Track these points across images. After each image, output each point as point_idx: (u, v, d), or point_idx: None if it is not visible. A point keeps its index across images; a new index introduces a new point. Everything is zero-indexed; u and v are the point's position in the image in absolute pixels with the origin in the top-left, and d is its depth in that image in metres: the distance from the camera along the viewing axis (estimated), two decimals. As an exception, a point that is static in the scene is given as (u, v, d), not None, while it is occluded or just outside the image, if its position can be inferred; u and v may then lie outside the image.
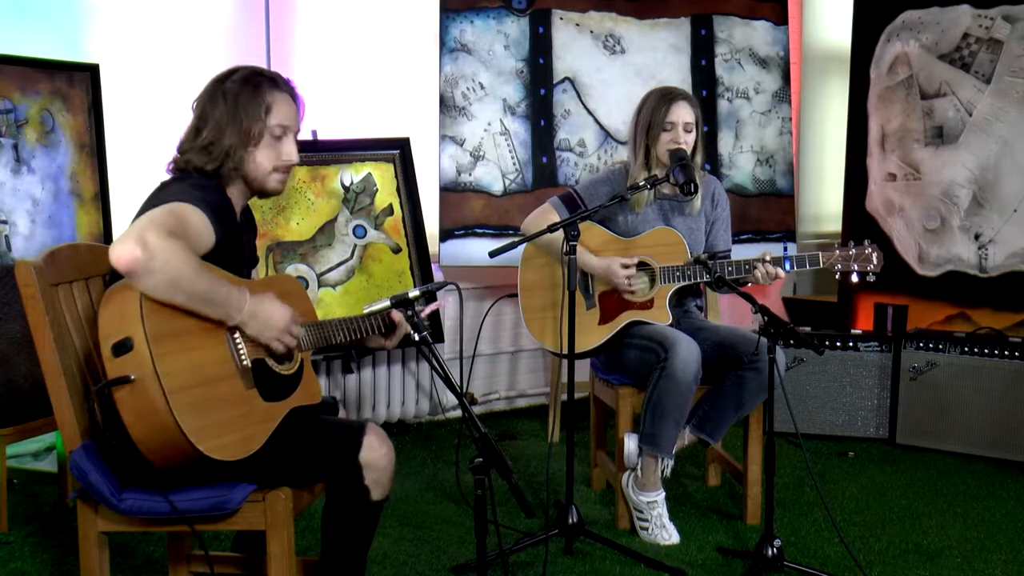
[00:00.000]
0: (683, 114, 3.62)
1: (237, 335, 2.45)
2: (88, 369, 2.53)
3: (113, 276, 2.43)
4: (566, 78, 4.90)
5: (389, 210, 4.51)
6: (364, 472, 2.49)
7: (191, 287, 2.30)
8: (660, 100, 3.66)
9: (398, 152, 4.56)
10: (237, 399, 2.41)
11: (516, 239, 3.41)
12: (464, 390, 2.56)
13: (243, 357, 2.44)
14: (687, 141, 3.62)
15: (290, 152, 2.63)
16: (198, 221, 2.40)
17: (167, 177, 2.60)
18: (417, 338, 2.60)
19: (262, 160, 2.60)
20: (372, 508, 2.54)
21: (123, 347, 2.27)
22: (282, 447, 2.47)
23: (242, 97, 2.56)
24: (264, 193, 2.68)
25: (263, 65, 4.49)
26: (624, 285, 3.61)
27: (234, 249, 2.56)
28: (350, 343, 2.76)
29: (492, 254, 3.35)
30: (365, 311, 2.67)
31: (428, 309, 2.78)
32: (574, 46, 4.91)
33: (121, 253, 2.23)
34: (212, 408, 2.34)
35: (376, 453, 2.51)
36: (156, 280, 2.26)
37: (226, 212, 2.53)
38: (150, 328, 2.26)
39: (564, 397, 3.59)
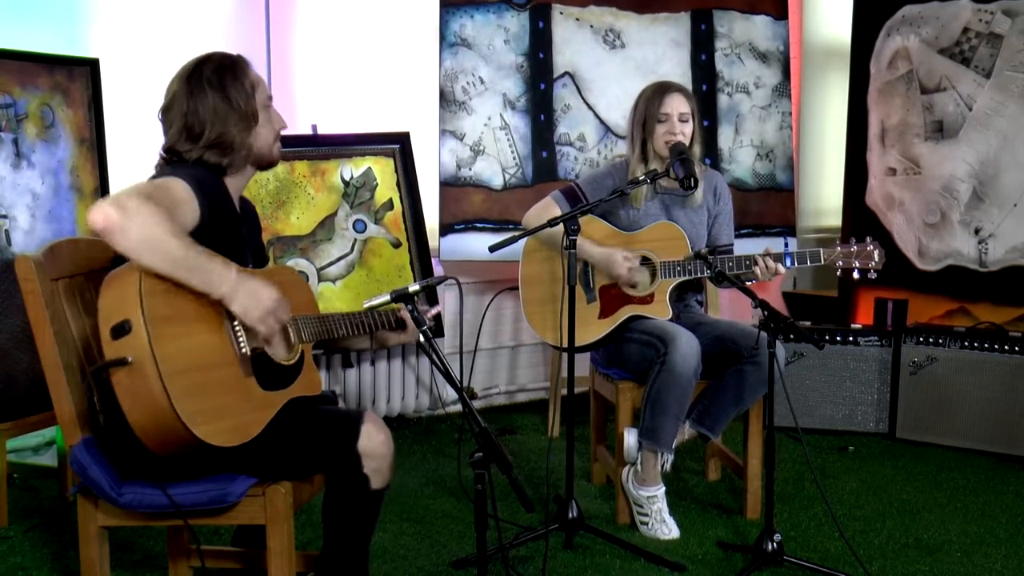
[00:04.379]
0: (677, 104, 3.62)
1: (237, 323, 2.45)
2: (88, 362, 2.52)
3: (114, 263, 2.43)
4: (566, 73, 4.90)
5: (389, 205, 4.51)
6: (363, 460, 2.49)
7: (168, 250, 2.27)
8: (654, 93, 3.66)
9: (398, 147, 4.56)
10: (235, 385, 2.41)
11: (516, 233, 3.40)
12: (464, 385, 2.56)
13: (242, 345, 2.44)
14: (684, 132, 3.61)
15: (279, 118, 2.70)
16: (182, 193, 2.41)
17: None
18: (420, 336, 2.60)
19: (266, 134, 2.64)
20: (372, 497, 2.54)
21: (121, 329, 2.26)
22: (280, 437, 2.48)
23: (227, 82, 2.57)
24: (272, 164, 2.72)
25: (264, 60, 4.55)
26: (625, 276, 3.61)
27: (227, 232, 2.55)
28: (368, 342, 2.79)
29: (492, 248, 3.35)
30: (365, 306, 2.66)
31: (432, 312, 2.79)
32: (574, 41, 4.91)
33: (97, 213, 2.24)
34: (208, 393, 2.34)
35: (374, 441, 2.51)
36: (131, 241, 2.25)
37: (215, 190, 2.53)
38: (148, 310, 2.26)
39: (564, 392, 3.59)
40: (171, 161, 2.58)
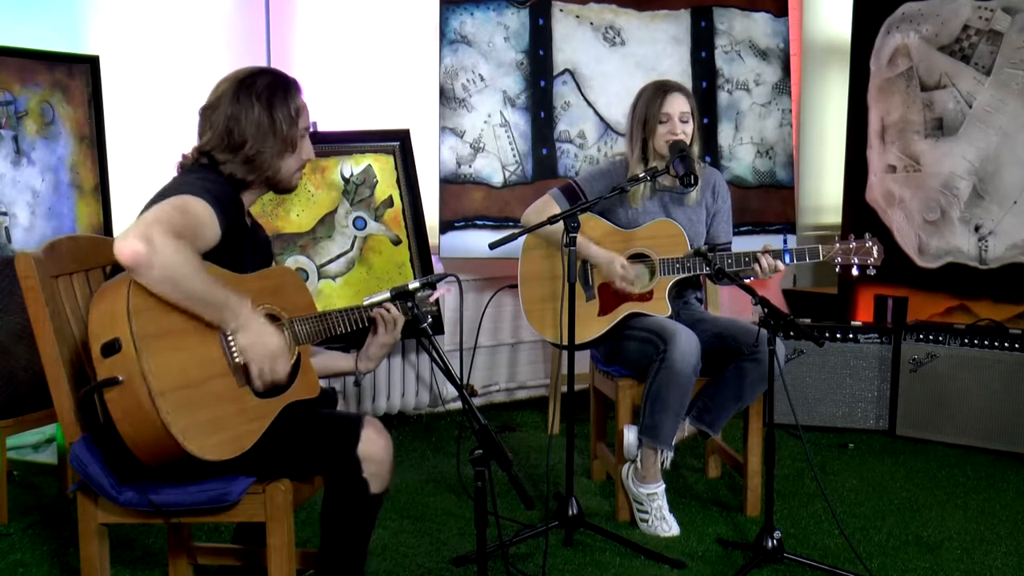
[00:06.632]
0: (679, 104, 3.62)
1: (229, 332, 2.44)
2: (87, 361, 2.52)
3: (113, 270, 2.43)
4: (566, 70, 4.90)
5: (389, 202, 4.51)
6: (363, 465, 2.49)
7: (190, 287, 2.29)
8: (655, 93, 3.66)
9: (398, 144, 4.55)
10: (229, 397, 2.40)
11: (516, 231, 3.41)
12: (464, 382, 2.56)
13: (235, 355, 2.42)
14: (684, 132, 3.61)
15: (310, 149, 2.68)
16: (203, 213, 2.39)
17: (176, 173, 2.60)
18: (422, 325, 2.58)
19: (293, 163, 2.63)
20: (371, 501, 2.54)
21: (111, 348, 2.26)
22: (280, 440, 2.47)
23: (276, 103, 2.56)
24: (289, 191, 2.72)
25: (263, 56, 4.55)
26: (619, 283, 3.62)
27: (240, 244, 2.55)
28: (351, 364, 2.78)
29: (492, 246, 3.35)
30: (365, 302, 2.66)
31: (436, 294, 2.79)
32: (574, 38, 4.91)
33: (125, 247, 2.23)
34: (202, 407, 2.33)
35: (374, 446, 2.50)
36: (156, 276, 2.25)
37: (232, 205, 2.52)
38: (137, 328, 2.25)
39: (564, 389, 3.59)
40: (197, 163, 2.56)
